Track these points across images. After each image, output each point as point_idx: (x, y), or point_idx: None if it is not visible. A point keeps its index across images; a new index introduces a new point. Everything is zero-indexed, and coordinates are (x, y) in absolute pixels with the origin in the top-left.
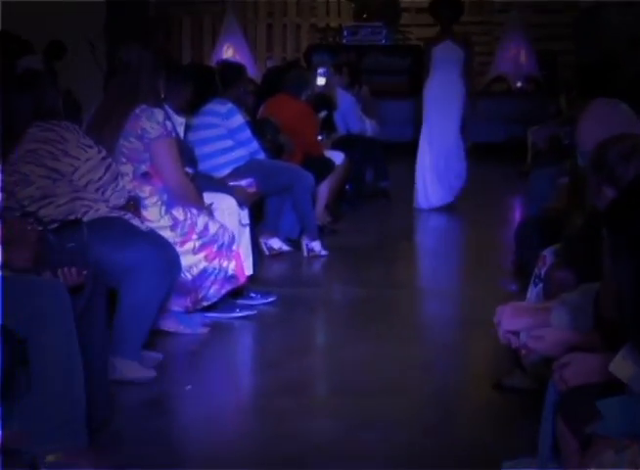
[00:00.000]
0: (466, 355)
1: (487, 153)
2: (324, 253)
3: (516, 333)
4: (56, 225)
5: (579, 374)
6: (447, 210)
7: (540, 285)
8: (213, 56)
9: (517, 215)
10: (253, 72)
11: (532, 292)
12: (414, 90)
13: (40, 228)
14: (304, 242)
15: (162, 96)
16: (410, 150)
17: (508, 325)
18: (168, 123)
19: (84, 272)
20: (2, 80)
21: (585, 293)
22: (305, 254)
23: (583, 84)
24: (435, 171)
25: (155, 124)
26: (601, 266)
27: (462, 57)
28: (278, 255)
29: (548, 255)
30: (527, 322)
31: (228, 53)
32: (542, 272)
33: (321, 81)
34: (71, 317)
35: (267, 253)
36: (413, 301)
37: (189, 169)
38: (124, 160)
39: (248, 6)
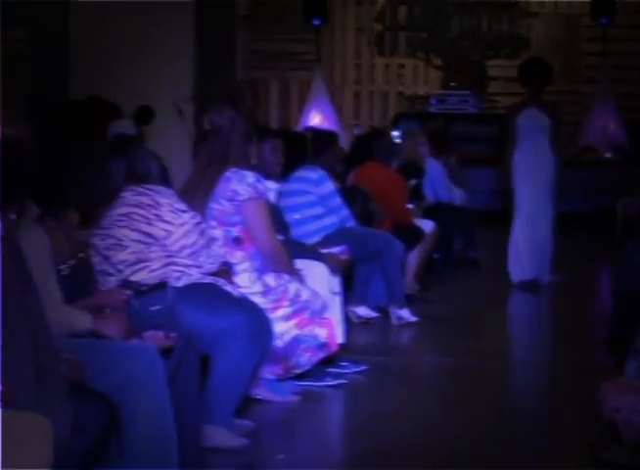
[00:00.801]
0: (560, 428)
1: (577, 223)
2: (413, 319)
3: (619, 409)
4: (142, 288)
5: None
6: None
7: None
8: (300, 121)
9: (609, 287)
10: (341, 140)
11: (631, 365)
12: (501, 159)
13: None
14: (393, 310)
15: (254, 161)
16: (497, 219)
17: (613, 402)
18: (260, 185)
19: (173, 335)
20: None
21: None
22: (394, 322)
23: None
24: (529, 243)
25: (245, 186)
26: None
27: (549, 125)
28: (366, 323)
29: None
30: (632, 399)
31: (315, 119)
32: None
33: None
34: (165, 383)
35: (356, 320)
36: (504, 371)
37: (280, 236)
38: (215, 223)
39: (335, 72)
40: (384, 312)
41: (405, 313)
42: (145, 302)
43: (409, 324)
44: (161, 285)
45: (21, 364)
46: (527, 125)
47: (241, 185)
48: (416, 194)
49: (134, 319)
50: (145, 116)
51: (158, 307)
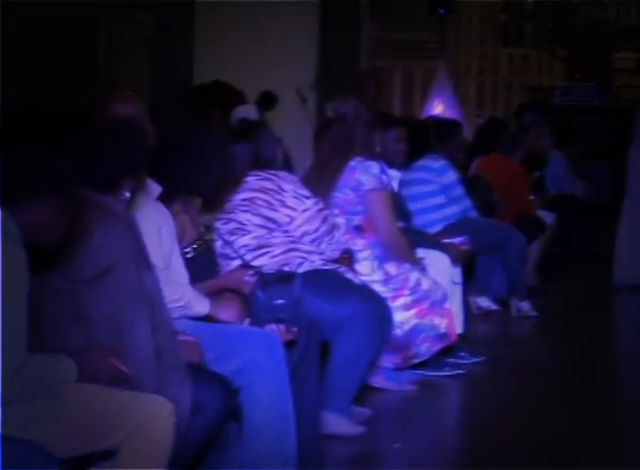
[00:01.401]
0: None
1: None
2: (533, 313)
3: None
4: (269, 279)
5: None
6: None
7: None
8: (423, 111)
9: None
10: (464, 130)
11: None
12: (621, 152)
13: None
14: (514, 302)
15: (377, 149)
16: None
17: None
18: (384, 176)
19: (294, 329)
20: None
21: None
22: (514, 314)
23: None
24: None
25: (370, 177)
26: None
27: None
28: (486, 314)
29: None
30: None
31: (438, 109)
32: None
33: None
34: (285, 370)
35: (476, 311)
36: (623, 367)
37: (401, 224)
38: (337, 211)
39: (459, 62)
40: (504, 304)
41: (525, 306)
42: (270, 294)
43: (529, 317)
44: (289, 276)
45: (140, 344)
46: None
47: (365, 175)
48: (538, 186)
49: (257, 310)
50: (268, 101)
51: (282, 301)
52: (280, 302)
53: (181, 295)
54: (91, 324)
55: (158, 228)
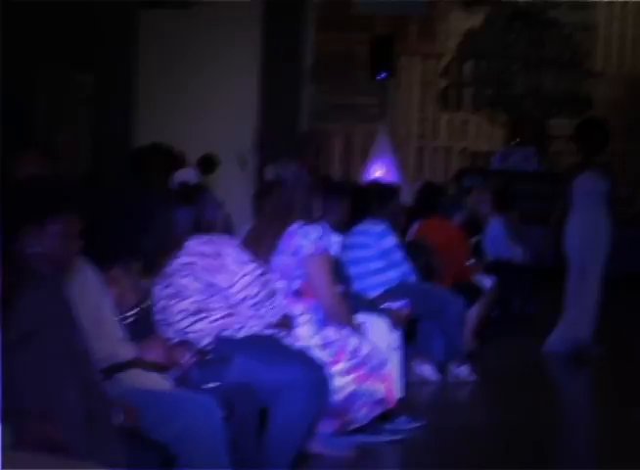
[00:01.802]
0: None
1: (633, 284)
2: (472, 378)
3: None
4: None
5: None
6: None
7: None
8: (363, 174)
9: None
10: (403, 194)
11: None
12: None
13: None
14: (452, 367)
15: (319, 214)
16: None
17: None
18: (323, 241)
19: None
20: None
21: None
22: (452, 379)
23: None
24: (578, 309)
25: (309, 241)
26: None
27: (604, 188)
28: (426, 379)
29: None
30: None
31: (378, 173)
32: None
33: None
34: (223, 434)
35: (416, 378)
36: (561, 432)
37: (340, 287)
38: (277, 276)
39: (399, 126)
40: (442, 368)
41: (464, 371)
42: (205, 375)
43: (467, 381)
44: (226, 358)
45: (70, 407)
46: (584, 190)
47: (305, 240)
48: (477, 250)
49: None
50: (208, 165)
51: (215, 385)
52: (212, 385)
53: (107, 343)
54: (18, 388)
55: (80, 284)
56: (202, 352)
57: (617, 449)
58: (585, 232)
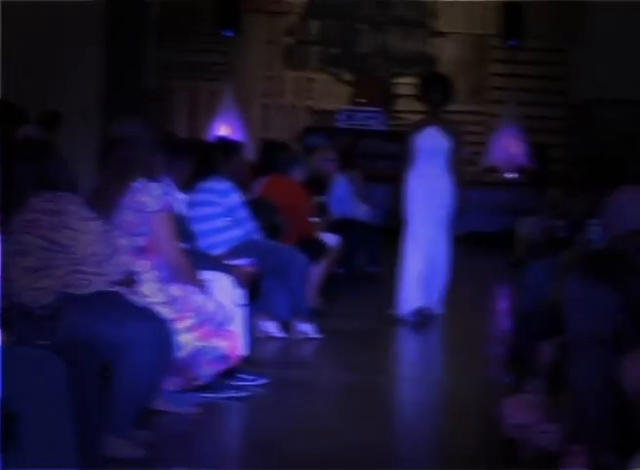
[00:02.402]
0: (458, 445)
1: (478, 242)
2: (315, 335)
3: (520, 426)
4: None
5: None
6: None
7: (539, 378)
8: (209, 132)
9: (508, 306)
10: (248, 152)
11: (531, 385)
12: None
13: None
14: (296, 324)
15: (162, 171)
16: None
17: (513, 419)
18: (167, 198)
19: None
20: (3, 149)
21: None
22: (297, 336)
23: (589, 177)
24: (421, 273)
25: (153, 198)
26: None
27: (449, 145)
28: (271, 336)
29: (548, 348)
30: (533, 416)
31: (224, 130)
32: (541, 366)
33: None
34: (65, 391)
35: (261, 335)
36: (402, 388)
37: (184, 245)
38: (120, 233)
39: (245, 85)
40: (287, 326)
41: (308, 328)
42: (40, 331)
43: (311, 338)
44: (59, 315)
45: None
46: (426, 146)
47: (148, 197)
48: (322, 209)
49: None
50: (52, 121)
51: (46, 342)
52: (45, 342)
53: None
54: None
55: None
56: (39, 309)
57: (455, 402)
58: (425, 189)
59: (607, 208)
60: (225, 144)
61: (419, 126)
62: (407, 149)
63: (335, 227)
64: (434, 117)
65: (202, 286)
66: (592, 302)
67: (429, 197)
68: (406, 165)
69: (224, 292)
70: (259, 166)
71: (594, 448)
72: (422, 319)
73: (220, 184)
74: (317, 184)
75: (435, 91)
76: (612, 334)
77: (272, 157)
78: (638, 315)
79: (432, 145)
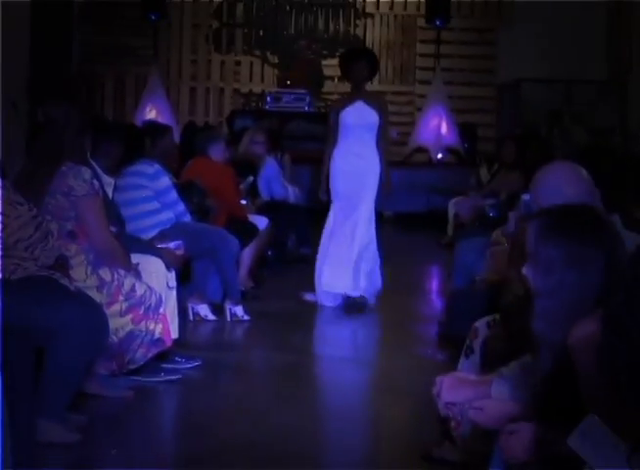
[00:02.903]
0: (392, 425)
1: (408, 223)
2: (246, 318)
3: (454, 404)
4: None
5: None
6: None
7: (472, 356)
8: (136, 116)
9: (439, 286)
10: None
11: (464, 363)
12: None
13: None
14: (227, 306)
15: (89, 154)
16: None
17: (447, 397)
18: (95, 182)
19: None
20: None
21: (524, 365)
22: (228, 318)
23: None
24: (342, 256)
25: (81, 182)
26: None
27: (376, 120)
28: (203, 319)
29: (480, 326)
30: (467, 394)
31: (151, 114)
32: (474, 344)
33: None
34: None
35: (192, 318)
36: (335, 369)
37: (113, 228)
38: (50, 217)
39: (171, 68)
40: (218, 308)
41: (239, 310)
42: None
43: (243, 321)
44: None
45: None
46: (352, 121)
47: (77, 181)
48: (251, 191)
49: None
50: None
51: None
52: None
53: None
54: None
55: None
56: None
57: (388, 381)
58: (351, 167)
59: (537, 184)
60: (153, 127)
61: (344, 102)
62: (332, 126)
63: (264, 209)
64: (359, 91)
65: (132, 269)
66: (580, 259)
67: (354, 175)
68: (331, 143)
69: (155, 275)
70: (182, 150)
71: (541, 423)
72: (352, 308)
73: (149, 167)
74: (246, 166)
75: (360, 66)
76: (594, 294)
77: (192, 139)
78: (619, 278)
79: (358, 120)
